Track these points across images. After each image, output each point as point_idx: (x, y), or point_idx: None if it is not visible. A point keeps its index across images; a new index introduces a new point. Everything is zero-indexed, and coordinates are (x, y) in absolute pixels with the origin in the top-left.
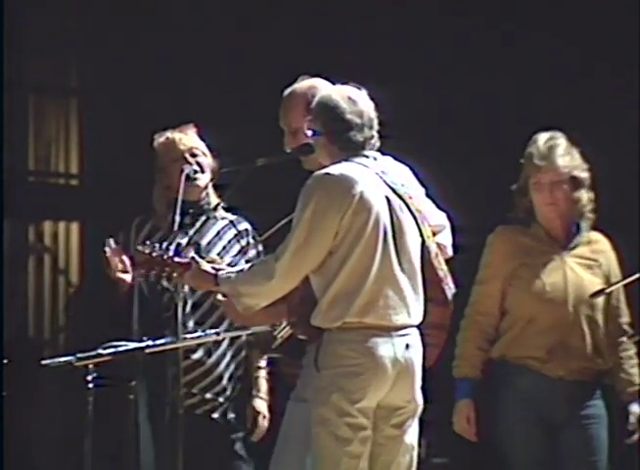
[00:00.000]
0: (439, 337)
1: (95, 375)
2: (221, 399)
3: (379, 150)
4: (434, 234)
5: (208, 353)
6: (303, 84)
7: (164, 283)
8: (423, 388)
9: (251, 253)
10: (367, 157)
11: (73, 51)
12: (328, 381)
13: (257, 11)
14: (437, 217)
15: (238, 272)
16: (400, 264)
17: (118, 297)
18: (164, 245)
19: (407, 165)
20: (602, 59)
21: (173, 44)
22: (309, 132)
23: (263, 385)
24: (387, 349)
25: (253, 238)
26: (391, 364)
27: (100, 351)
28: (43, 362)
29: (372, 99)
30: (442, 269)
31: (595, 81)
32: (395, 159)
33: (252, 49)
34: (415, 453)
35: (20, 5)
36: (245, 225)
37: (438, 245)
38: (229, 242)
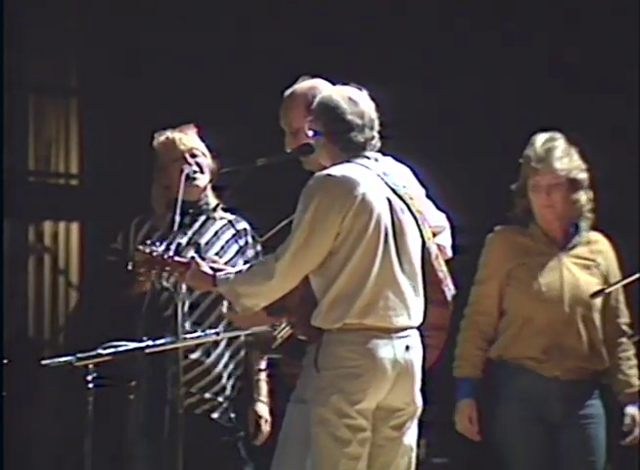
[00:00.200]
0: (439, 338)
1: (95, 375)
2: (220, 399)
3: (379, 150)
4: (434, 235)
5: (207, 353)
6: (304, 85)
7: (164, 283)
8: (422, 389)
9: (250, 252)
10: (368, 158)
11: (73, 51)
12: (328, 382)
13: (258, 11)
14: (437, 218)
15: (237, 273)
16: (401, 266)
17: (130, 297)
18: (165, 244)
19: (407, 166)
20: (602, 58)
21: (173, 44)
22: (310, 133)
23: (264, 388)
24: (387, 350)
25: (252, 237)
26: (391, 366)
27: (100, 351)
28: (43, 362)
29: (372, 99)
30: (442, 270)
31: (595, 81)
32: (396, 159)
33: (253, 49)
34: (414, 455)
35: (20, 5)
36: (243, 225)
37: (438, 246)
38: (227, 242)
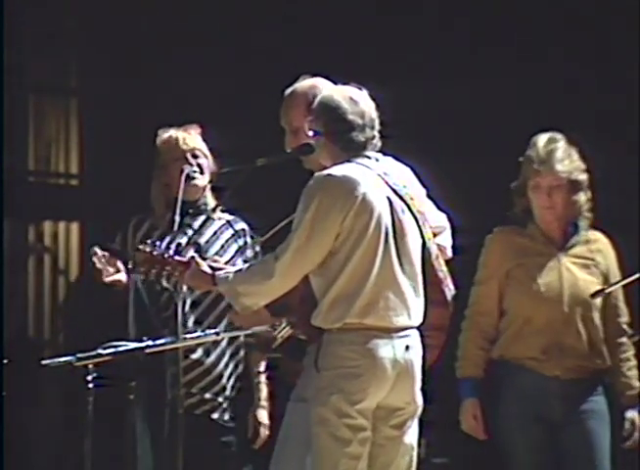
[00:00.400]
0: (439, 338)
1: (95, 375)
2: (220, 399)
3: (380, 150)
4: (435, 235)
5: (207, 353)
6: (305, 84)
7: (164, 283)
8: (422, 388)
9: (249, 253)
10: (369, 158)
11: (73, 51)
12: (328, 382)
13: (258, 11)
14: (438, 219)
15: (236, 272)
16: (401, 266)
17: (116, 298)
18: (165, 244)
19: (408, 166)
20: (602, 58)
21: (173, 44)
22: (310, 133)
23: (263, 391)
24: (387, 350)
25: (251, 237)
26: (391, 366)
27: (100, 351)
28: (43, 362)
29: (372, 99)
30: (442, 271)
31: (595, 81)
32: (396, 159)
33: (253, 49)
34: (414, 454)
35: (20, 5)
36: (242, 225)
37: (438, 246)
38: (227, 241)
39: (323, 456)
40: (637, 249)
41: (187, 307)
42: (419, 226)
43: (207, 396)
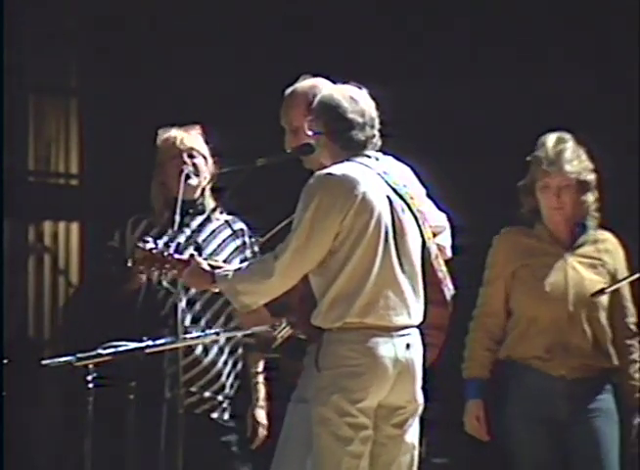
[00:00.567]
0: (438, 337)
1: (95, 375)
2: (220, 398)
3: (380, 150)
4: (434, 235)
5: (205, 351)
6: (305, 83)
7: (164, 281)
8: (423, 387)
9: (247, 253)
10: (369, 157)
11: (73, 51)
12: (329, 381)
13: (258, 10)
14: (438, 218)
15: (236, 271)
16: (401, 265)
17: (126, 294)
18: (164, 242)
19: (408, 165)
20: (602, 58)
21: (173, 44)
22: (310, 133)
23: (262, 391)
24: (387, 349)
25: (250, 237)
26: (392, 364)
27: (100, 351)
28: (43, 362)
29: (373, 98)
30: (442, 270)
31: (595, 81)
32: (396, 159)
33: (253, 49)
34: (416, 453)
35: (20, 5)
36: (240, 225)
37: (438, 246)
38: (224, 241)
39: (325, 456)
40: (637, 249)
41: (183, 306)
42: (419, 226)
43: (207, 394)
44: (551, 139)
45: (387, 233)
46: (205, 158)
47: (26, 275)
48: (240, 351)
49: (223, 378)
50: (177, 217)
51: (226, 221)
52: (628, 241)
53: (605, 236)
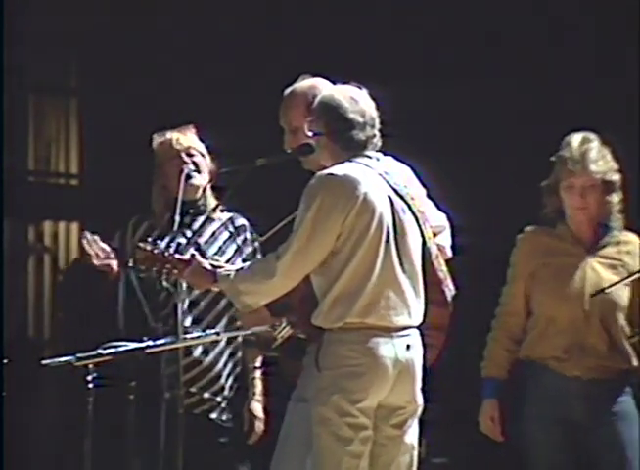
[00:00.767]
0: (439, 338)
1: (95, 375)
2: (219, 399)
3: (380, 150)
4: (435, 235)
5: (206, 352)
6: (304, 84)
7: (164, 282)
8: (423, 388)
9: (249, 249)
10: (370, 157)
11: (73, 51)
12: (329, 381)
13: (258, 11)
14: (438, 218)
15: (238, 270)
16: (402, 265)
17: (105, 287)
18: (165, 242)
19: (408, 166)
20: (602, 58)
21: (173, 44)
22: (310, 133)
23: (259, 386)
24: (388, 349)
25: (251, 233)
26: (392, 365)
27: (100, 351)
28: (43, 362)
29: (373, 99)
30: (442, 270)
31: (595, 81)
32: (396, 159)
33: (253, 49)
34: (415, 453)
35: (20, 5)
36: (242, 221)
37: (438, 246)
38: (225, 242)
39: (325, 456)
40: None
41: (185, 307)
42: (419, 226)
43: (206, 395)
44: (576, 139)
45: (388, 233)
46: (203, 155)
47: (26, 275)
48: (239, 353)
49: (222, 379)
50: (177, 218)
51: (228, 219)
52: None
53: (628, 238)
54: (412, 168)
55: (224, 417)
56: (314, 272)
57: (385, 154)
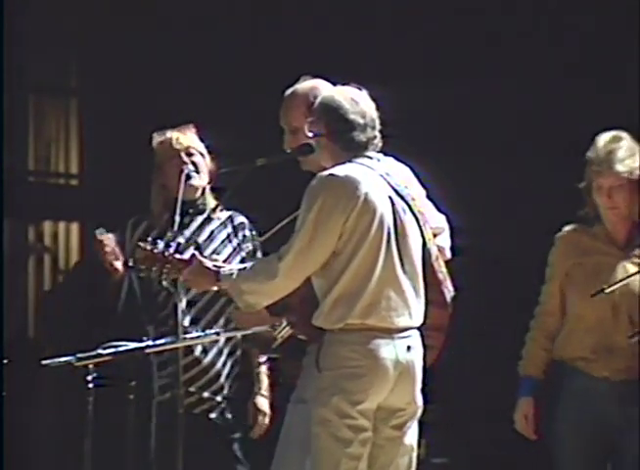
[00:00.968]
0: (438, 339)
1: (95, 375)
2: (219, 399)
3: (380, 150)
4: (434, 236)
5: (205, 352)
6: (305, 85)
7: (164, 282)
8: (422, 389)
9: (248, 246)
10: (370, 158)
11: (73, 51)
12: (329, 382)
13: (258, 11)
14: (437, 219)
15: (240, 270)
16: (403, 266)
17: (109, 286)
18: (165, 242)
19: (408, 166)
20: (602, 58)
21: (173, 44)
22: (310, 134)
23: (264, 381)
24: (388, 350)
25: (250, 230)
26: (393, 366)
27: (100, 351)
28: (43, 362)
29: (373, 99)
30: (442, 272)
31: (595, 81)
32: (397, 159)
33: (253, 49)
34: (414, 455)
35: (20, 5)
36: (241, 219)
37: (438, 247)
38: (222, 242)
39: (323, 457)
40: None
41: (183, 306)
42: (420, 227)
43: (206, 394)
44: (603, 139)
45: (389, 234)
46: (202, 155)
47: (26, 275)
48: (238, 352)
49: (222, 379)
50: (177, 218)
51: (227, 217)
52: None
53: None
54: (412, 169)
55: (224, 417)
56: (315, 273)
57: (385, 154)
